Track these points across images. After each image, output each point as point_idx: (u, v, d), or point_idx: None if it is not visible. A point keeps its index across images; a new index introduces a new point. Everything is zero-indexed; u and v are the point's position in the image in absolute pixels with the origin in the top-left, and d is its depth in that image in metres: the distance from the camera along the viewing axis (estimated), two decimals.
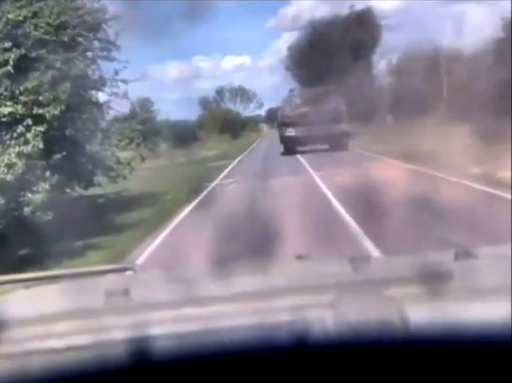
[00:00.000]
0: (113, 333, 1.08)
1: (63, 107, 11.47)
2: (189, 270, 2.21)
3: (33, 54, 11.83)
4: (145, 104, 36.86)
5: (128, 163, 14.25)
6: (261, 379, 0.98)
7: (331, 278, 1.39)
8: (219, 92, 49.21)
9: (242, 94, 50.17)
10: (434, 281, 1.15)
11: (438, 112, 18.96)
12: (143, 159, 16.09)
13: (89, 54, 13.29)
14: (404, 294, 1.13)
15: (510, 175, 9.91)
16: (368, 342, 0.99)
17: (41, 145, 11.08)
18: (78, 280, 1.94)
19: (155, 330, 1.06)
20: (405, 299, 1.09)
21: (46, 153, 11.19)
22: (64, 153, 11.53)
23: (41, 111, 11.49)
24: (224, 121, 43.85)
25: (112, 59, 13.38)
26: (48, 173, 10.83)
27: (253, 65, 61.03)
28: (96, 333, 1.09)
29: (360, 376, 0.97)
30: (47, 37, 12.04)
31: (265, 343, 1.01)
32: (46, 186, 10.67)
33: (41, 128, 11.38)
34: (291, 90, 30.15)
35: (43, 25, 12.19)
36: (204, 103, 46.66)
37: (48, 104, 11.52)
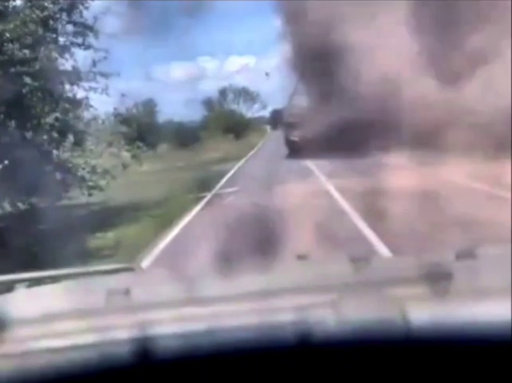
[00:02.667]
0: (115, 332, 1.08)
1: None
2: (191, 270, 2.21)
3: None
4: (147, 104, 35.89)
5: (107, 172, 12.11)
6: (264, 378, 0.99)
7: (332, 278, 1.38)
8: (223, 92, 48.52)
9: (245, 95, 49.46)
10: (435, 281, 1.14)
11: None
12: (125, 167, 14.02)
13: (61, 40, 11.13)
14: (406, 293, 1.13)
15: None
16: (370, 342, 1.00)
17: None
18: (80, 280, 1.95)
19: (157, 330, 1.06)
20: (406, 299, 1.09)
21: None
22: (15, 161, 9.18)
23: None
24: (228, 122, 43.31)
25: (88, 46, 11.17)
26: None
27: (257, 66, 60.09)
28: (98, 332, 1.09)
29: (362, 375, 0.98)
30: None
31: (267, 343, 1.01)
32: None
33: None
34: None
35: None
36: (208, 104, 46.00)
37: None
